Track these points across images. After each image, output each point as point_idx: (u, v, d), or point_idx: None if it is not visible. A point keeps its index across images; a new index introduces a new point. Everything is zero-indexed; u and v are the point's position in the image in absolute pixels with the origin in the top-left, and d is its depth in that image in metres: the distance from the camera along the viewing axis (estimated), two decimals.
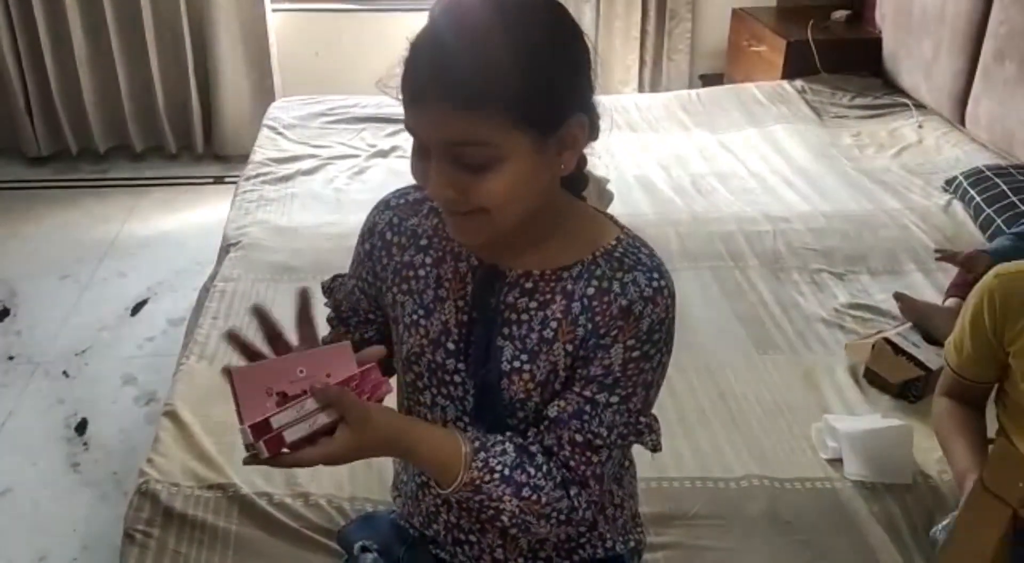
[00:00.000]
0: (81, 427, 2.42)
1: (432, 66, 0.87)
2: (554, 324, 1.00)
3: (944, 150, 3.06)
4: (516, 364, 1.02)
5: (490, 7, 0.89)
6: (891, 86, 3.54)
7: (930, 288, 2.27)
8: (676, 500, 1.61)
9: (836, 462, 1.70)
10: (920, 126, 3.23)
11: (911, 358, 1.85)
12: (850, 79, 3.58)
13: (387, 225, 1.09)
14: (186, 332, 2.22)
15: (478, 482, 0.99)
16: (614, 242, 1.02)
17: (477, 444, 1.00)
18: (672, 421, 1.79)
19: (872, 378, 1.90)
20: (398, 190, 1.12)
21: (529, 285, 1.02)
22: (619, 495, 1.17)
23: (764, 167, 2.97)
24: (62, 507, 2.17)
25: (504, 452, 1.01)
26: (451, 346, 1.04)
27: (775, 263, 2.39)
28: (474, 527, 1.13)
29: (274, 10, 3.88)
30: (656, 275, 1.00)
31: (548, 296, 1.01)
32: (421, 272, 1.06)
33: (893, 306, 2.18)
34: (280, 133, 3.14)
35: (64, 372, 2.63)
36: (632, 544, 1.21)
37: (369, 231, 1.11)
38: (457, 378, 1.05)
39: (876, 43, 3.61)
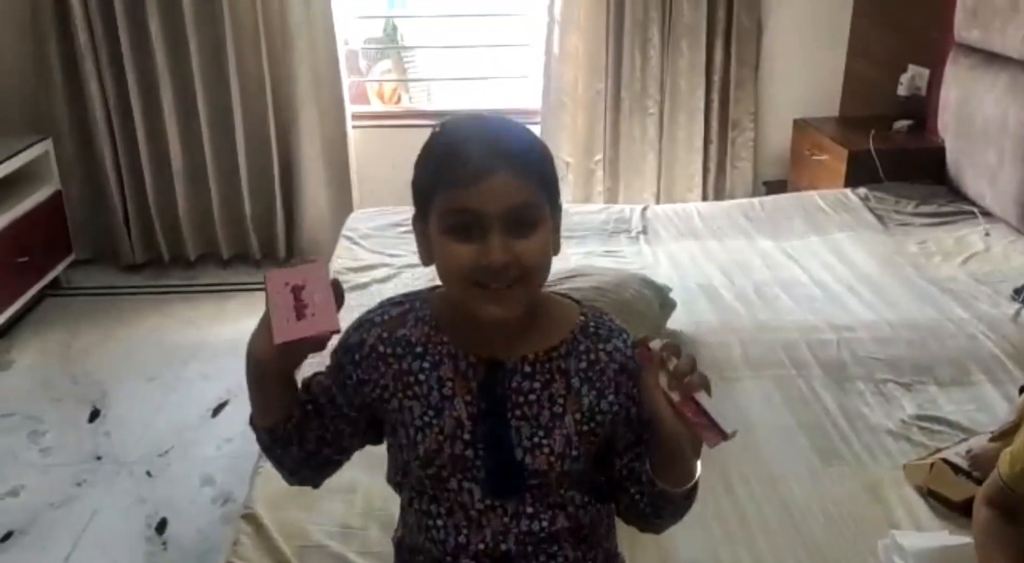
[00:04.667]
0: (161, 527, 2.51)
1: (492, 147, 1.05)
2: (560, 400, 1.14)
3: (1012, 258, 3.04)
4: (535, 440, 1.14)
5: (496, 120, 1.12)
6: (956, 194, 3.54)
7: (1000, 399, 2.24)
8: None
9: None
10: (987, 234, 3.22)
11: (970, 476, 1.83)
12: (914, 187, 3.58)
13: (377, 339, 1.17)
14: None
15: None
16: (583, 318, 1.18)
17: None
18: (733, 529, 1.80)
19: (935, 497, 1.87)
20: (375, 308, 1.21)
21: (528, 369, 1.14)
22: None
23: (828, 275, 2.98)
24: None
25: None
26: (467, 437, 1.14)
27: (840, 372, 2.38)
28: None
29: (354, 126, 4.13)
30: (626, 335, 1.18)
31: (548, 376, 1.14)
32: (421, 376, 1.15)
33: (962, 418, 2.16)
34: (357, 243, 3.29)
35: (147, 472, 2.74)
36: None
37: (357, 346, 1.18)
38: (479, 461, 1.15)
39: (939, 152, 3.63)
